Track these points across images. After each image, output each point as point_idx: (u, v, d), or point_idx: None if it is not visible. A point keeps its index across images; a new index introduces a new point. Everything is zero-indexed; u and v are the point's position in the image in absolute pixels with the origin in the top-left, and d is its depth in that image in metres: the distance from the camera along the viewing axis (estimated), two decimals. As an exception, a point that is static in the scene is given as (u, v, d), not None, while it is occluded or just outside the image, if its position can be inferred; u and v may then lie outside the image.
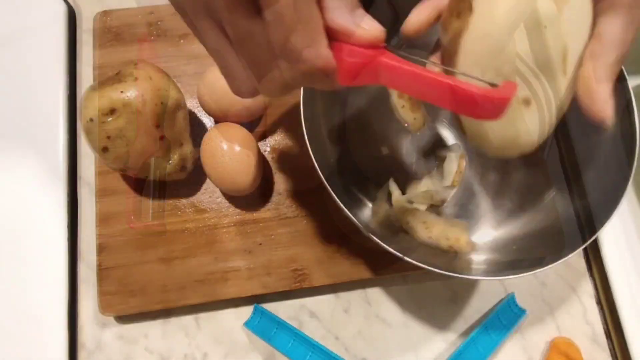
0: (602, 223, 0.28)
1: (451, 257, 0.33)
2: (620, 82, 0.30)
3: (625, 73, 0.29)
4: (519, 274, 0.28)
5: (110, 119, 0.31)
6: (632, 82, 0.29)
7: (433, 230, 0.33)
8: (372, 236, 0.28)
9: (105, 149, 0.32)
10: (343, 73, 0.19)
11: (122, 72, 0.33)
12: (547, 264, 0.28)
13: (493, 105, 0.17)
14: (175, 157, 0.34)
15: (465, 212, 0.37)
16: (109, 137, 0.32)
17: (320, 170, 0.28)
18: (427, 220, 0.34)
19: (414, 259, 0.27)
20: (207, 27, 0.18)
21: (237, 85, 0.20)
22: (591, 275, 0.39)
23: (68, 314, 0.35)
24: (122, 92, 0.31)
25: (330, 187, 0.28)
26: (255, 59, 0.18)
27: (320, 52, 0.17)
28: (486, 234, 0.35)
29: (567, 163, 0.34)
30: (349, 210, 0.28)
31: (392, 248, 0.27)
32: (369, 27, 0.18)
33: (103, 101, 0.31)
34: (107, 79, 0.33)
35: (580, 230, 0.29)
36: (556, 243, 0.31)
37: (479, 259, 0.33)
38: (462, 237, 0.33)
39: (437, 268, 0.27)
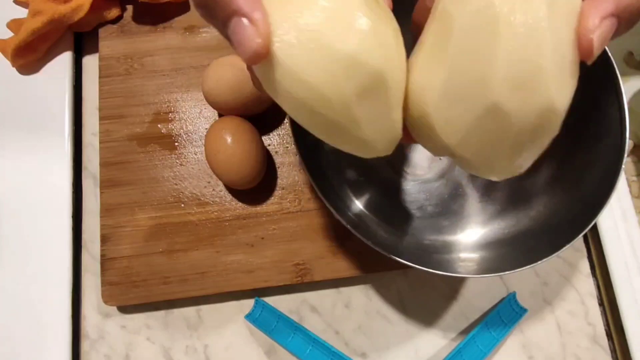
0: (595, 213, 0.28)
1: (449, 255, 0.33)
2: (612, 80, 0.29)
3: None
4: (516, 269, 0.28)
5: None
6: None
7: None
8: (370, 241, 0.28)
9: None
10: None
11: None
12: (542, 258, 0.28)
13: None
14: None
15: (454, 209, 0.36)
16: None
17: (309, 171, 0.28)
18: None
19: (410, 259, 0.27)
20: None
21: None
22: (594, 275, 0.39)
23: (71, 303, 0.36)
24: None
25: (319, 188, 0.28)
26: None
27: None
28: (475, 232, 0.35)
29: (558, 154, 0.33)
30: (343, 210, 0.28)
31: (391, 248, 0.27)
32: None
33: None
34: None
35: (576, 222, 0.29)
36: (552, 236, 0.30)
37: (474, 256, 0.33)
38: None
39: (432, 268, 0.27)
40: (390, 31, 0.18)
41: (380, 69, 0.17)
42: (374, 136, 0.19)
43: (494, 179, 0.20)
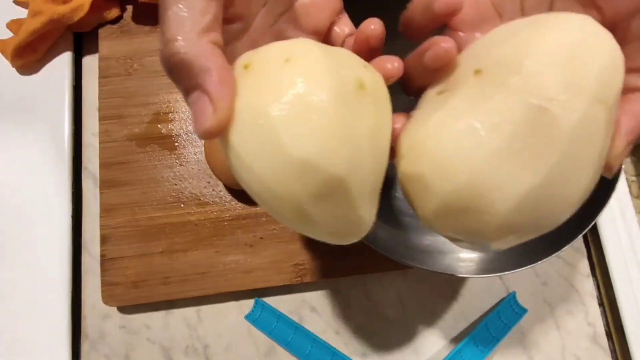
0: (595, 213, 0.28)
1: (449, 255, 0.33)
2: None
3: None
4: (516, 269, 0.28)
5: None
6: None
7: None
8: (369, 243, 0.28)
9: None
10: None
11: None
12: (542, 258, 0.28)
13: None
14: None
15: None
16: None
17: None
18: None
19: (410, 259, 0.27)
20: None
21: None
22: (594, 275, 0.39)
23: (71, 303, 0.36)
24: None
25: None
26: None
27: None
28: None
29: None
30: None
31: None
32: None
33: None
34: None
35: (576, 222, 0.29)
36: (552, 237, 0.30)
37: (474, 256, 0.33)
38: None
39: (432, 268, 0.27)
40: (364, 126, 0.17)
41: (339, 175, 0.16)
42: (337, 231, 0.18)
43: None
